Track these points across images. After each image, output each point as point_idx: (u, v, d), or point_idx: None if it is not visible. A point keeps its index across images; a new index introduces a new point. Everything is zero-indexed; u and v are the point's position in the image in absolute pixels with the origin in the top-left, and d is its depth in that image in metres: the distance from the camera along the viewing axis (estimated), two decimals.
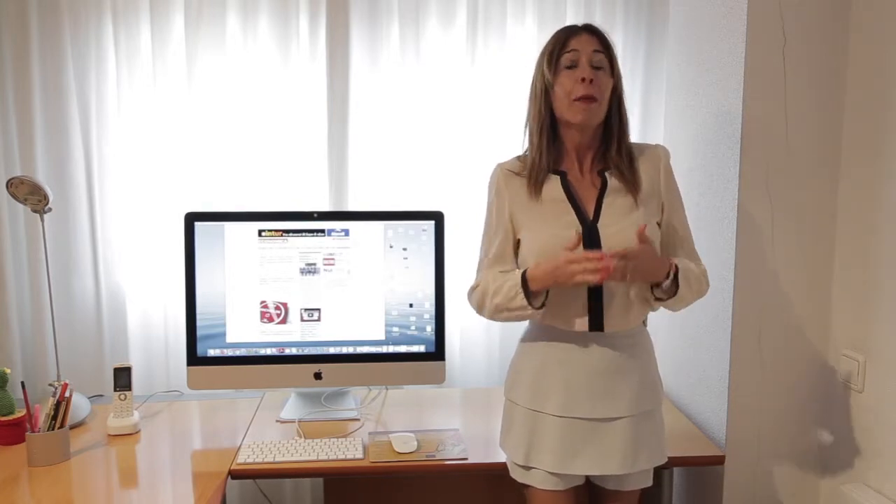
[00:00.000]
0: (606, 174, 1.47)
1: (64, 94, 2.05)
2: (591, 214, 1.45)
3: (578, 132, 1.45)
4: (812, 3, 1.65)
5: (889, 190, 1.56)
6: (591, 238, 1.42)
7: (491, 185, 1.53)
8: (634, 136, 2.17)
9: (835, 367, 1.74)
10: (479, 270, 1.56)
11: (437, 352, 1.97)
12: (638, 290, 1.44)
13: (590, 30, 1.43)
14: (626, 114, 1.48)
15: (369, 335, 1.96)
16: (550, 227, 1.44)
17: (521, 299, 1.41)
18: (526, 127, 1.50)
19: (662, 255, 1.49)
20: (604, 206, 1.45)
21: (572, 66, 1.40)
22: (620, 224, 1.43)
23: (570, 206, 1.45)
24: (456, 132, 2.17)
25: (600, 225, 1.43)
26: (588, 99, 1.39)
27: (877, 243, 1.60)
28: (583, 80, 1.38)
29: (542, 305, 1.44)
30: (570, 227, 1.43)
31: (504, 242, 1.50)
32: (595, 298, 1.43)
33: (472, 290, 1.55)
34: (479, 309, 1.52)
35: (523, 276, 1.41)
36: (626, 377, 1.46)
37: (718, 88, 1.80)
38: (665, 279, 1.40)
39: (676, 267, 1.41)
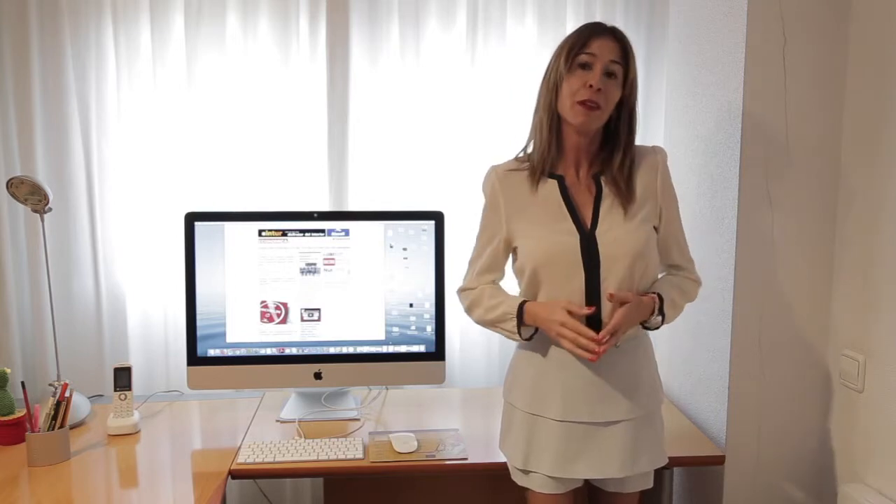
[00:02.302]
0: (602, 179, 1.46)
1: (64, 94, 2.05)
2: (588, 221, 1.44)
3: (576, 133, 1.44)
4: (812, 4, 1.65)
5: (889, 190, 1.56)
6: (588, 246, 1.41)
7: (485, 190, 1.53)
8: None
9: (835, 367, 1.74)
10: (469, 270, 1.58)
11: (437, 352, 1.97)
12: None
13: (615, 35, 1.40)
14: (636, 125, 1.46)
15: (369, 335, 1.96)
16: (549, 234, 1.43)
17: (511, 325, 1.46)
18: (535, 114, 1.47)
19: (660, 256, 1.50)
20: (601, 213, 1.44)
21: (586, 67, 1.38)
22: (617, 232, 1.41)
23: (566, 211, 1.44)
24: (456, 132, 2.17)
25: (598, 233, 1.42)
26: (589, 104, 1.37)
27: (877, 243, 1.60)
28: (590, 86, 1.36)
29: (530, 338, 1.47)
30: (569, 233, 1.42)
31: (496, 252, 1.51)
32: (594, 323, 1.40)
33: (464, 290, 1.58)
34: (468, 311, 1.57)
35: (521, 306, 1.44)
36: (625, 381, 1.45)
37: (718, 88, 1.79)
38: (651, 314, 1.42)
39: (661, 299, 1.43)
